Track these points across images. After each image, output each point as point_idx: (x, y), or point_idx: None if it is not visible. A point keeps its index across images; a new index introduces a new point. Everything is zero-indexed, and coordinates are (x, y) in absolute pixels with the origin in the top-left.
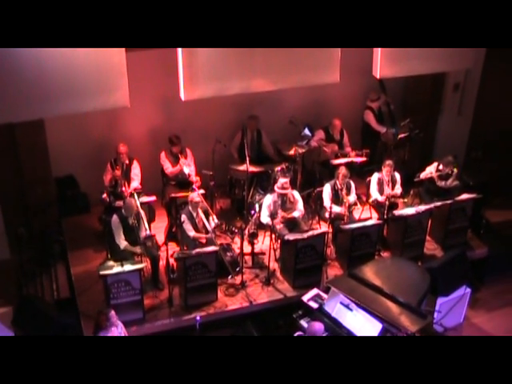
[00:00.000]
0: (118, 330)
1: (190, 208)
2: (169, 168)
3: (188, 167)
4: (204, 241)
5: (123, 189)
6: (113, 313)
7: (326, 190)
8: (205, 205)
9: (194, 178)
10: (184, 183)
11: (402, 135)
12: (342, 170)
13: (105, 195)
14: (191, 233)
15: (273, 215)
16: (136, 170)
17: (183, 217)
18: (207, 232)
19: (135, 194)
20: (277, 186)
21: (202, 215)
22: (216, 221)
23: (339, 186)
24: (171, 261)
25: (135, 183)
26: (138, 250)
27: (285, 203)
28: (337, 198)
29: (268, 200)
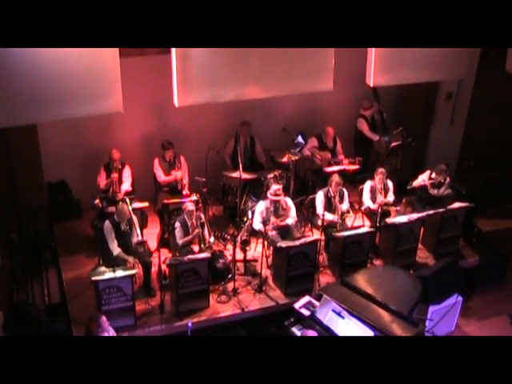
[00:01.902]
0: (109, 335)
1: (185, 217)
2: (161, 176)
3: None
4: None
5: (117, 191)
6: (104, 318)
7: (319, 198)
8: (200, 215)
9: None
10: (176, 190)
11: (394, 143)
12: (336, 178)
13: (97, 201)
14: (180, 240)
15: (265, 222)
16: (126, 173)
17: (177, 224)
18: (202, 243)
19: (127, 200)
20: (269, 193)
21: (197, 225)
22: (212, 240)
23: (332, 194)
24: (163, 267)
25: (125, 185)
26: (130, 259)
27: (277, 210)
28: (330, 206)
29: (261, 206)
